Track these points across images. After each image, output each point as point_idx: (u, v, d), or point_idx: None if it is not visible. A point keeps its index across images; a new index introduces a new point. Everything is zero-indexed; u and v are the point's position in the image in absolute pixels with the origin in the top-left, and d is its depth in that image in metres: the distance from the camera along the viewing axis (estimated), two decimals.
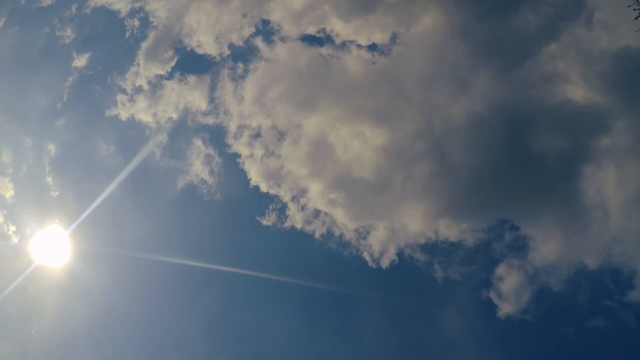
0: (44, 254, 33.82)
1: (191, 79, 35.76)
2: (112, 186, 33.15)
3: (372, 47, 33.53)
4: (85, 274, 33.57)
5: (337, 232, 32.31)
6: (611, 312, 27.73)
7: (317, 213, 32.67)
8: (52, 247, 33.90)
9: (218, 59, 35.48)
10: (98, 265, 33.81)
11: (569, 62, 29.75)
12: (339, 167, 33.25)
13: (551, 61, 30.03)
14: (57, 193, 35.18)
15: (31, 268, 33.23)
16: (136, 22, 36.83)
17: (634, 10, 22.25)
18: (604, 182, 28.64)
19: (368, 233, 31.89)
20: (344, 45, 33.98)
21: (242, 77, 35.12)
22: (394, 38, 33.24)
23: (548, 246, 29.05)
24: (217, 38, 35.68)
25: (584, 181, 28.84)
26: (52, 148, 36.30)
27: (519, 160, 30.03)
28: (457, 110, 31.37)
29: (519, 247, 29.53)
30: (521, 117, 30.04)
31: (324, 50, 34.24)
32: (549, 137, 29.55)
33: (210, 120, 35.21)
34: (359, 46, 33.75)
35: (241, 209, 34.42)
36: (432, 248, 30.77)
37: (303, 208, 32.91)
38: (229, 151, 34.49)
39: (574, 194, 28.93)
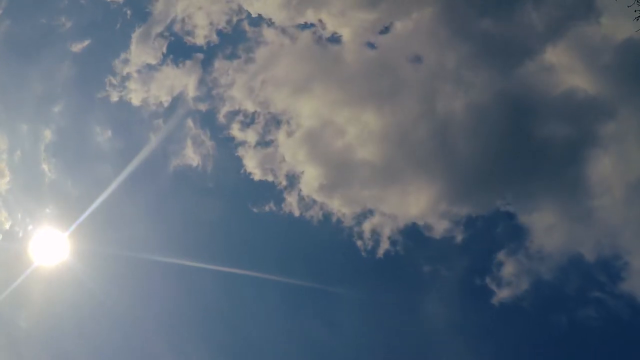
0: (43, 254, 33.84)
1: (185, 63, 35.30)
2: (112, 186, 33.03)
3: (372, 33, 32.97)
4: (85, 275, 33.55)
5: (334, 219, 32.37)
6: (602, 303, 28.10)
7: (313, 200, 32.73)
8: (51, 248, 33.89)
9: (211, 44, 35.02)
10: (98, 266, 33.74)
11: (574, 52, 29.39)
12: (337, 152, 33.11)
13: (555, 51, 29.73)
14: (55, 192, 35.24)
15: (31, 269, 33.26)
16: (129, 9, 36.23)
17: (635, 11, 21.90)
18: (606, 170, 28.71)
19: (365, 219, 31.96)
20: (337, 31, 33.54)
21: (237, 60, 34.77)
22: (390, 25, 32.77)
23: (548, 234, 29.34)
24: (211, 23, 35.03)
25: (588, 168, 28.94)
26: (48, 134, 36.25)
27: (521, 147, 29.92)
28: (459, 98, 31.17)
29: (519, 234, 29.75)
30: (524, 105, 29.94)
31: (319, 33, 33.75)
32: (552, 124, 29.56)
33: (203, 107, 34.97)
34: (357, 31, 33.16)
35: (236, 196, 34.44)
36: (430, 234, 30.94)
37: (299, 194, 32.95)
38: (223, 136, 34.45)
39: (577, 181, 29.04)
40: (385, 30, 32.94)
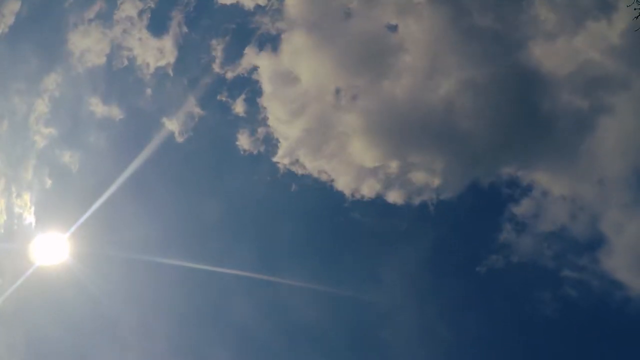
0: (44, 255, 33.66)
1: None
2: (113, 187, 33.06)
3: None
4: (86, 276, 33.39)
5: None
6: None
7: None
8: (52, 249, 33.70)
9: None
10: (98, 267, 33.63)
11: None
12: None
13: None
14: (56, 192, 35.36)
15: (31, 270, 33.11)
16: None
17: (634, 9, 21.93)
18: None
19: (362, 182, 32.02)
20: None
21: None
22: None
23: (552, 203, 29.47)
24: None
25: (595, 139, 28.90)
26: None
27: (529, 116, 29.98)
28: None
29: (522, 200, 29.87)
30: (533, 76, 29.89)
31: None
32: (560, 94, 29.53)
33: None
34: None
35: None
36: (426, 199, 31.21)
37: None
38: None
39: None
40: None
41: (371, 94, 32.79)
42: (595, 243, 28.22)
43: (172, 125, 34.50)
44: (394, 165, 31.78)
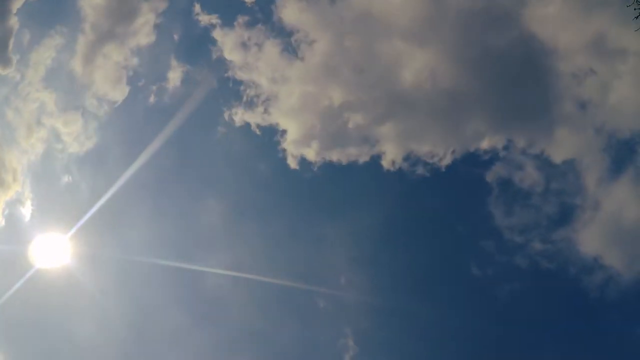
0: (44, 257, 33.36)
1: None
2: (114, 188, 32.99)
3: None
4: (87, 278, 33.43)
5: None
6: None
7: None
8: (52, 250, 33.48)
9: None
10: (99, 269, 33.78)
11: None
12: None
13: None
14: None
15: (31, 272, 32.71)
16: None
17: (634, 9, 21.90)
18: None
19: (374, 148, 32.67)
20: None
21: None
22: None
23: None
24: None
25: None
26: None
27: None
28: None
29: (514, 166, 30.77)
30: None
31: None
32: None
33: None
34: None
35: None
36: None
37: None
38: None
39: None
40: None
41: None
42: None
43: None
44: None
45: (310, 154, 32.96)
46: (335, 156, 32.66)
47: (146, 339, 33.69)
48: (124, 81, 35.45)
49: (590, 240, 29.03)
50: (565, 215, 29.77)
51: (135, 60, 35.53)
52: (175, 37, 35.95)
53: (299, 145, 33.19)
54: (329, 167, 32.87)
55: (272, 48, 34.21)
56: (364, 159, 32.58)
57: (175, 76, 35.31)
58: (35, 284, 32.84)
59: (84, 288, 33.18)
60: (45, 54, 35.19)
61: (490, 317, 30.31)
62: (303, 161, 33.05)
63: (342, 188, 33.52)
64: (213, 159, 35.29)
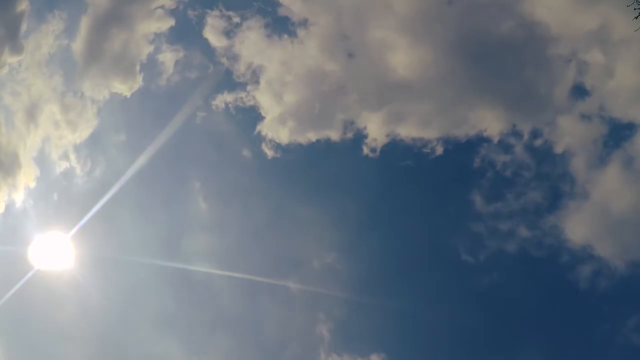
0: (44, 258, 32.74)
1: None
2: (116, 186, 32.58)
3: None
4: (88, 280, 32.89)
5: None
6: None
7: None
8: (53, 252, 32.89)
9: None
10: (100, 270, 33.34)
11: None
12: None
13: None
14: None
15: (30, 274, 32.07)
16: None
17: (634, 9, 24.69)
18: None
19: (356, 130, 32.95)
20: None
21: None
22: None
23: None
24: None
25: None
26: None
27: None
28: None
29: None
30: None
31: None
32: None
33: None
34: None
35: None
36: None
37: None
38: None
39: None
40: None
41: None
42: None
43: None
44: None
45: (288, 135, 33.38)
46: (314, 137, 33.10)
47: (146, 339, 33.18)
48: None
49: (579, 228, 29.47)
50: (555, 202, 30.14)
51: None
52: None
53: (277, 126, 33.63)
54: (309, 149, 33.24)
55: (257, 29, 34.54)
56: (347, 141, 33.00)
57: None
58: (35, 285, 32.41)
59: (84, 289, 32.74)
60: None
61: (477, 305, 30.40)
62: (279, 145, 33.42)
63: (325, 171, 33.82)
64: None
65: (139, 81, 34.79)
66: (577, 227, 29.57)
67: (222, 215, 34.58)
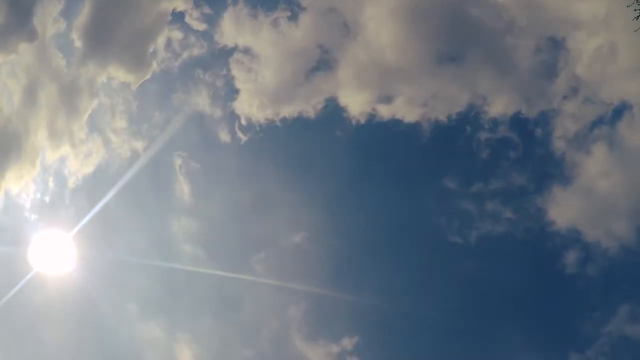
0: (44, 260, 32.54)
1: None
2: (119, 185, 32.21)
3: None
4: (88, 281, 32.82)
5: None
6: None
7: None
8: (53, 251, 32.70)
9: None
10: (101, 271, 33.28)
11: None
12: None
13: None
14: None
15: (30, 275, 32.02)
16: None
17: (634, 10, 22.42)
18: None
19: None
20: None
21: None
22: None
23: None
24: None
25: None
26: None
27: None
28: None
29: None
30: None
31: None
32: None
33: None
34: None
35: None
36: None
37: None
38: None
39: None
40: None
41: None
42: None
43: None
44: None
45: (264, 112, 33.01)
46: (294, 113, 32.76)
47: (147, 340, 33.45)
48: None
49: (565, 209, 29.72)
50: (541, 183, 30.31)
51: None
52: None
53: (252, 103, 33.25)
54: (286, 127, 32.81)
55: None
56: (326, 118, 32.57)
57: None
58: (35, 286, 32.33)
59: (85, 290, 32.68)
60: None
61: (459, 289, 30.45)
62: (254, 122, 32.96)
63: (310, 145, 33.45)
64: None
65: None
66: (564, 210, 29.88)
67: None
